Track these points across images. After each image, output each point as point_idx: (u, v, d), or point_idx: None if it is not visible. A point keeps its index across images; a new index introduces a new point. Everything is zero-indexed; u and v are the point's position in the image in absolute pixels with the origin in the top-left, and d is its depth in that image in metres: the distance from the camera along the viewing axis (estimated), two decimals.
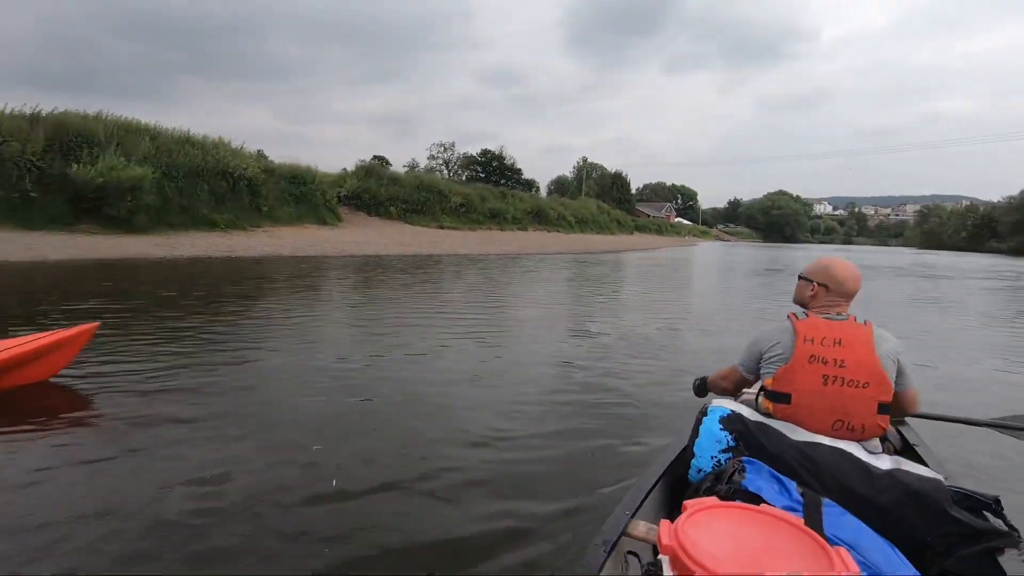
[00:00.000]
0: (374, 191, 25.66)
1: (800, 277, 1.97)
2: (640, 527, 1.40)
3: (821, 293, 1.88)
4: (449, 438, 3.14)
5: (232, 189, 18.48)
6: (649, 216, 75.85)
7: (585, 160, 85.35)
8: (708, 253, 36.26)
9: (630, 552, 1.32)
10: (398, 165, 51.96)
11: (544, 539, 2.16)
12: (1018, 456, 3.11)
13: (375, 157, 64.84)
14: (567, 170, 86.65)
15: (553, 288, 11.76)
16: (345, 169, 27.28)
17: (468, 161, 71.00)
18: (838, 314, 1.81)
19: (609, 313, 8.49)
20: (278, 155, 27.44)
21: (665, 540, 1.05)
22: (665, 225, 71.81)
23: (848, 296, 1.86)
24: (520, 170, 71.84)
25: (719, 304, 10.46)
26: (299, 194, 21.32)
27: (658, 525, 1.16)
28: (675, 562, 1.02)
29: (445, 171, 66.89)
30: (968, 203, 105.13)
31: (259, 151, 27.63)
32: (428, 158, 70.07)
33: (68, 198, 14.56)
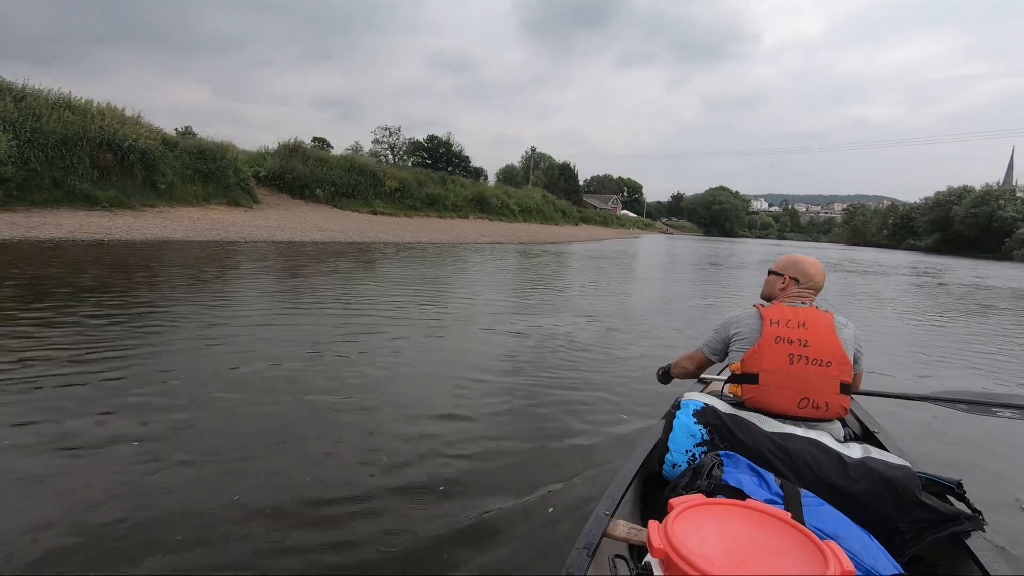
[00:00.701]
0: (299, 172, 23.26)
1: (770, 272, 2.08)
2: (620, 527, 1.34)
3: (792, 286, 1.98)
4: (398, 439, 2.95)
5: (120, 162, 15.86)
6: (596, 208, 75.45)
7: (534, 150, 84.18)
8: (650, 245, 35.64)
9: (617, 555, 1.21)
10: (340, 148, 49.41)
11: (511, 540, 2.07)
12: (947, 425, 3.54)
13: (315, 139, 61.60)
14: (516, 160, 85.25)
15: (489, 279, 10.22)
16: (266, 147, 24.67)
17: (414, 147, 68.46)
18: (803, 302, 1.91)
19: (549, 308, 7.53)
20: (211, 134, 24.37)
21: (656, 542, 1.00)
22: (611, 217, 71.46)
23: (816, 289, 1.97)
24: (468, 158, 69.97)
25: (657, 300, 9.18)
26: (207, 171, 18.79)
27: (636, 524, 1.24)
28: (667, 564, 0.98)
29: (390, 156, 64.22)
30: (889, 203, 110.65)
31: (187, 127, 24.82)
32: (372, 142, 67.16)
33: None
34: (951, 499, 1.49)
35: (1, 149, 12.69)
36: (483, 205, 33.64)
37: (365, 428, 3.05)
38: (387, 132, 68.04)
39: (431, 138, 68.16)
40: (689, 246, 40.46)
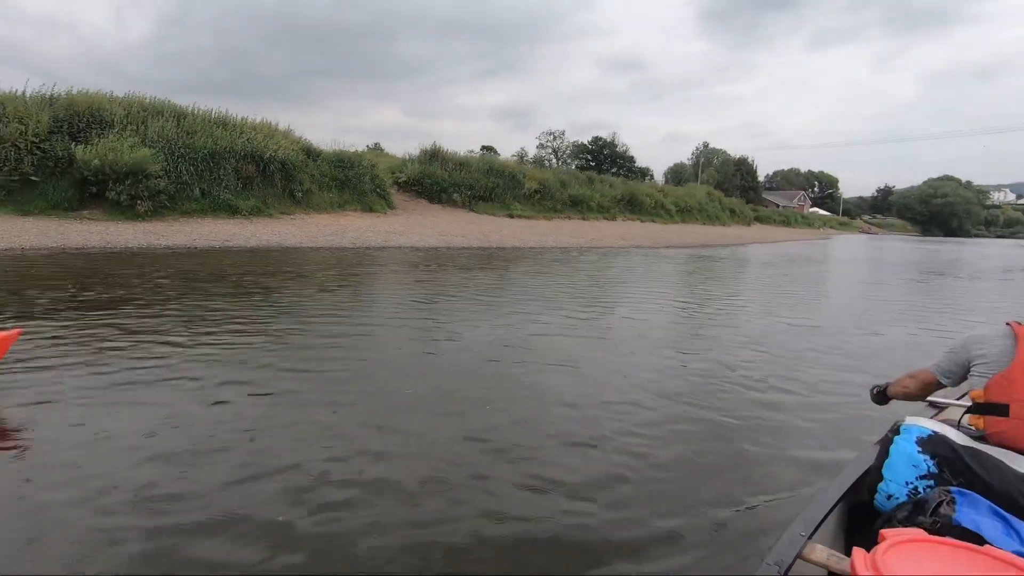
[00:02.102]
0: (437, 176, 22.82)
1: None
2: (818, 551, 1.21)
3: None
4: (586, 439, 2.98)
5: (262, 173, 16.51)
6: (778, 206, 66.29)
7: (706, 145, 77.20)
8: (841, 248, 29.14)
9: None
10: (508, 155, 49.87)
11: (694, 548, 2.03)
12: None
13: (484, 147, 63.52)
14: (686, 157, 78.94)
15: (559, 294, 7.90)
16: (409, 154, 24.75)
17: (578, 149, 67.02)
18: None
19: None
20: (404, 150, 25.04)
21: (861, 570, 0.92)
22: (795, 216, 61.88)
23: None
24: (633, 158, 66.75)
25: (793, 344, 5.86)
26: (344, 179, 19.01)
27: (837, 551, 1.10)
28: None
29: (554, 160, 63.62)
30: None
31: (376, 143, 26.32)
32: (537, 147, 67.33)
33: (72, 183, 13.27)
34: None
35: (151, 164, 13.63)
36: (634, 205, 30.42)
37: (564, 422, 3.21)
38: (551, 137, 67.67)
39: (595, 139, 66.08)
40: (894, 248, 32.68)
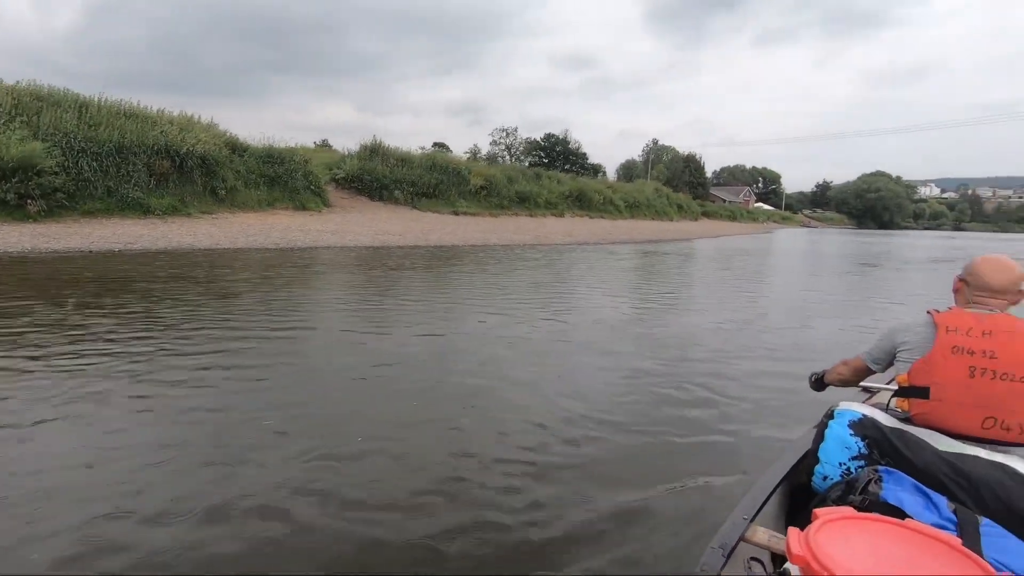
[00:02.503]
0: (378, 173, 21.81)
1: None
2: (760, 533, 1.28)
3: (964, 288, 1.72)
4: (537, 428, 3.03)
5: (179, 169, 15.19)
6: (725, 201, 67.88)
7: (655, 142, 78.20)
8: (782, 241, 29.72)
9: (753, 558, 1.18)
10: (461, 152, 48.95)
11: (647, 536, 2.06)
12: None
13: (435, 144, 62.34)
14: (637, 154, 79.83)
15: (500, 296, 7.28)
16: (348, 150, 23.62)
17: (531, 146, 66.69)
18: (988, 309, 1.61)
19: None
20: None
21: (795, 549, 0.95)
22: (740, 211, 63.45)
23: (989, 291, 1.64)
24: (585, 154, 66.93)
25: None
26: (274, 176, 17.81)
27: (778, 532, 1.15)
28: (806, 573, 0.93)
29: (507, 157, 63.11)
30: None
31: (324, 140, 24.93)
32: (490, 144, 66.63)
33: None
34: None
35: (43, 158, 12.20)
36: (583, 201, 30.16)
37: (506, 415, 3.22)
38: (504, 133, 67.07)
39: (548, 136, 65.86)
40: (832, 241, 33.69)
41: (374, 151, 22.93)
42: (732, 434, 3.10)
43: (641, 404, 3.52)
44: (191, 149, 15.34)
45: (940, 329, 1.55)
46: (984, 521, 1.16)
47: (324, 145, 33.54)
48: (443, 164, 24.13)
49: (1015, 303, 1.66)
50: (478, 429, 3.04)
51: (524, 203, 26.42)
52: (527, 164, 54.83)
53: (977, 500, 1.29)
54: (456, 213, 23.02)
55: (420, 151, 25.42)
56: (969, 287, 1.69)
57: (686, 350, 5.02)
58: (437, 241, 16.40)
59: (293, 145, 19.82)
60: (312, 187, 19.03)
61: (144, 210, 14.06)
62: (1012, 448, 1.46)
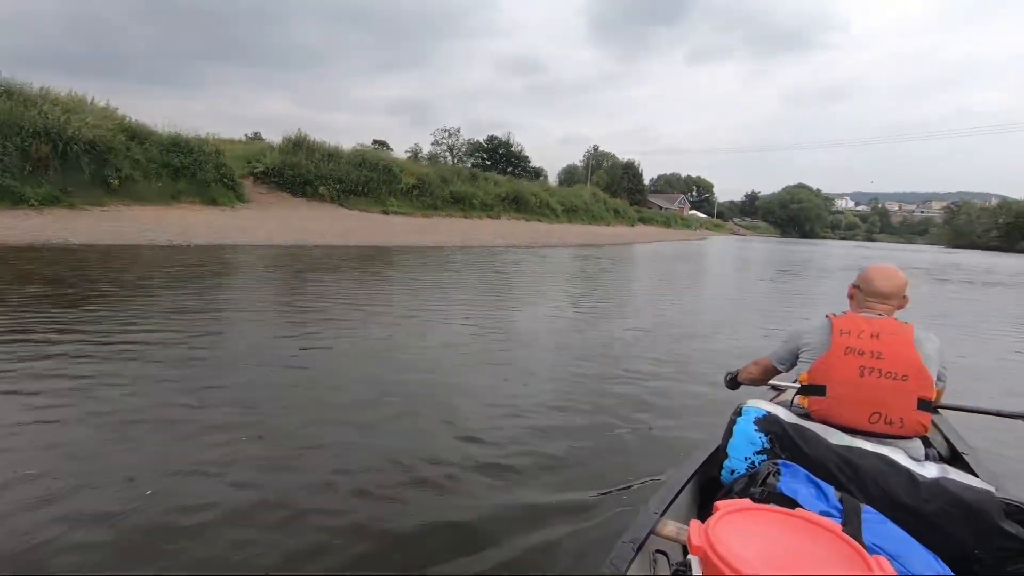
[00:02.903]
0: (301, 168, 20.45)
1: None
2: (669, 526, 1.32)
3: (857, 294, 1.88)
4: (460, 427, 3.01)
5: (61, 155, 13.45)
6: (661, 208, 69.62)
7: (596, 148, 79.35)
8: (714, 249, 30.42)
9: (659, 551, 1.24)
10: (401, 151, 47.44)
11: (566, 533, 2.06)
12: None
13: (375, 142, 60.45)
14: (579, 160, 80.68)
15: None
16: (270, 142, 22.07)
17: (474, 148, 65.95)
18: (877, 313, 1.77)
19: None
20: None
21: (695, 540, 0.99)
22: (675, 217, 65.25)
23: (878, 296, 1.80)
24: (527, 158, 66.95)
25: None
26: (179, 166, 16.22)
27: (688, 525, 1.15)
28: (705, 563, 0.97)
29: (449, 157, 62.04)
30: (998, 200, 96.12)
31: (256, 133, 22.92)
32: (432, 144, 65.32)
33: None
34: None
35: None
36: (520, 204, 29.72)
37: (433, 419, 3.12)
38: (447, 134, 65.93)
39: (491, 139, 65.39)
40: (759, 248, 34.93)
41: (298, 144, 21.52)
42: (656, 433, 3.15)
43: (565, 406, 3.47)
44: (76, 133, 13.64)
45: (836, 331, 1.67)
46: (866, 508, 1.24)
47: (256, 139, 31.49)
48: (373, 161, 22.99)
49: (901, 307, 1.81)
50: (394, 439, 2.87)
51: (459, 204, 25.65)
52: (470, 165, 54.22)
53: (861, 489, 1.38)
54: (386, 212, 21.98)
55: (355, 147, 24.02)
56: (861, 293, 1.83)
57: (611, 354, 4.93)
58: (360, 241, 15.40)
59: (204, 136, 18.12)
60: (225, 180, 17.52)
61: (16, 199, 12.31)
62: (894, 440, 1.58)
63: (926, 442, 1.82)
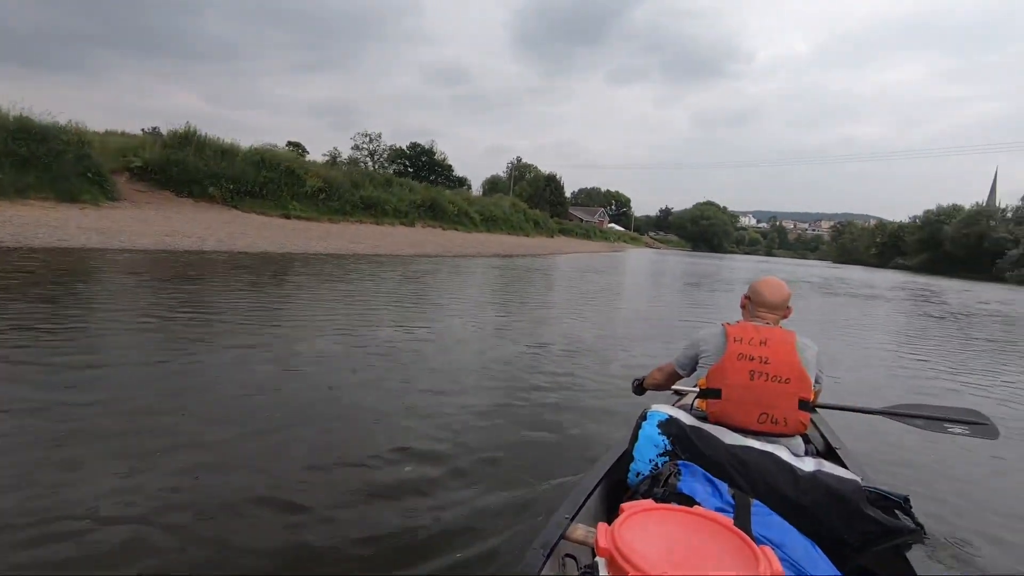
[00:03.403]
0: (188, 164, 18.34)
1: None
2: (579, 530, 1.37)
3: (748, 304, 2.04)
4: (373, 437, 3.00)
5: None
6: (582, 220, 70.97)
7: (519, 160, 79.88)
8: (631, 261, 30.91)
9: (568, 555, 1.30)
10: (319, 155, 44.86)
11: (479, 539, 2.08)
12: (904, 440, 3.46)
13: (290, 143, 57.10)
14: (503, 171, 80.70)
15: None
16: (154, 131, 19.71)
17: (395, 154, 64.01)
18: (766, 322, 1.92)
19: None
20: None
21: (602, 543, 1.02)
22: (595, 230, 66.73)
23: (766, 306, 1.96)
24: (451, 166, 66.13)
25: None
26: (28, 156, 13.87)
27: (596, 528, 1.20)
28: (611, 564, 0.99)
29: (370, 163, 59.76)
30: (876, 221, 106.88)
31: (154, 127, 19.98)
32: (352, 148, 62.61)
33: None
34: (899, 513, 1.48)
35: None
36: (436, 212, 28.69)
37: (350, 428, 3.09)
38: (367, 139, 63.52)
39: (414, 145, 63.86)
40: (672, 261, 36.21)
41: (186, 139, 19.34)
42: (566, 439, 3.18)
43: (481, 417, 3.46)
44: None
45: (730, 339, 1.81)
46: (755, 502, 1.35)
47: (154, 132, 28.21)
48: (273, 161, 21.14)
49: (785, 317, 2.02)
50: (306, 453, 2.75)
51: (370, 210, 24.24)
52: (391, 172, 52.56)
53: (751, 485, 1.49)
54: (287, 216, 20.25)
55: (253, 146, 22.00)
56: (752, 303, 2.03)
57: (522, 364, 4.94)
58: (247, 247, 13.80)
59: (65, 123, 15.72)
60: (90, 175, 15.24)
61: None
62: (779, 438, 1.72)
63: (805, 439, 1.99)
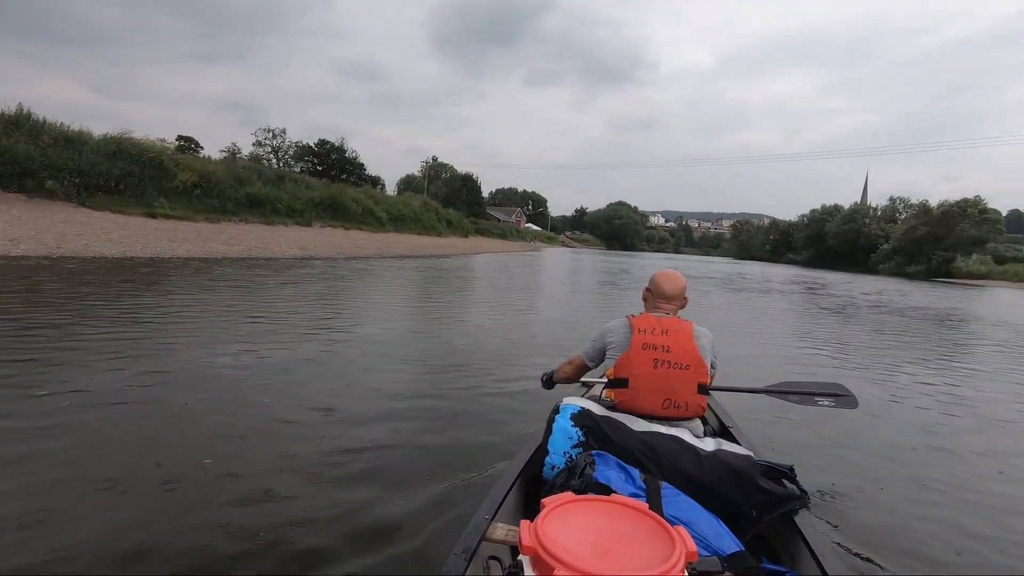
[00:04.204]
0: (20, 153, 15.13)
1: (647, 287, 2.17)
2: (499, 530, 1.33)
3: (650, 297, 2.12)
4: (291, 434, 2.95)
5: None
6: (499, 220, 70.30)
7: (434, 159, 77.71)
8: (547, 260, 30.26)
9: (491, 557, 1.21)
10: (215, 151, 40.52)
11: (396, 542, 2.02)
12: (785, 415, 3.78)
13: (180, 137, 51.55)
14: (418, 170, 78.09)
15: None
16: None
17: (302, 151, 59.78)
18: (665, 312, 2.02)
19: None
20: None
21: (526, 540, 1.00)
22: (512, 229, 66.23)
23: (666, 298, 2.06)
24: (363, 165, 62.87)
25: None
26: None
27: (517, 526, 1.19)
28: (535, 561, 0.99)
29: (274, 161, 55.28)
30: (770, 220, 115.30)
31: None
32: (253, 144, 57.61)
33: None
34: (786, 482, 1.60)
35: None
36: (337, 211, 26.39)
37: (255, 431, 2.98)
38: (270, 134, 58.79)
39: (322, 143, 59.96)
40: (586, 259, 36.33)
41: (15, 124, 16.01)
42: (486, 436, 3.15)
43: (396, 419, 3.35)
44: None
45: (635, 330, 1.88)
46: (664, 485, 1.41)
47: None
48: (134, 151, 18.09)
49: (682, 307, 2.11)
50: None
51: (258, 208, 21.65)
52: (298, 171, 48.93)
53: (660, 468, 1.56)
54: (152, 216, 17.40)
55: (109, 134, 18.77)
56: (652, 295, 2.11)
57: (431, 364, 4.86)
58: (78, 250, 11.29)
59: None
60: None
61: None
62: (681, 422, 1.81)
63: (704, 420, 2.07)
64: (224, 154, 47.08)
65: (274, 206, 22.33)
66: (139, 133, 19.08)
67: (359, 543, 1.97)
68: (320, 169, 55.59)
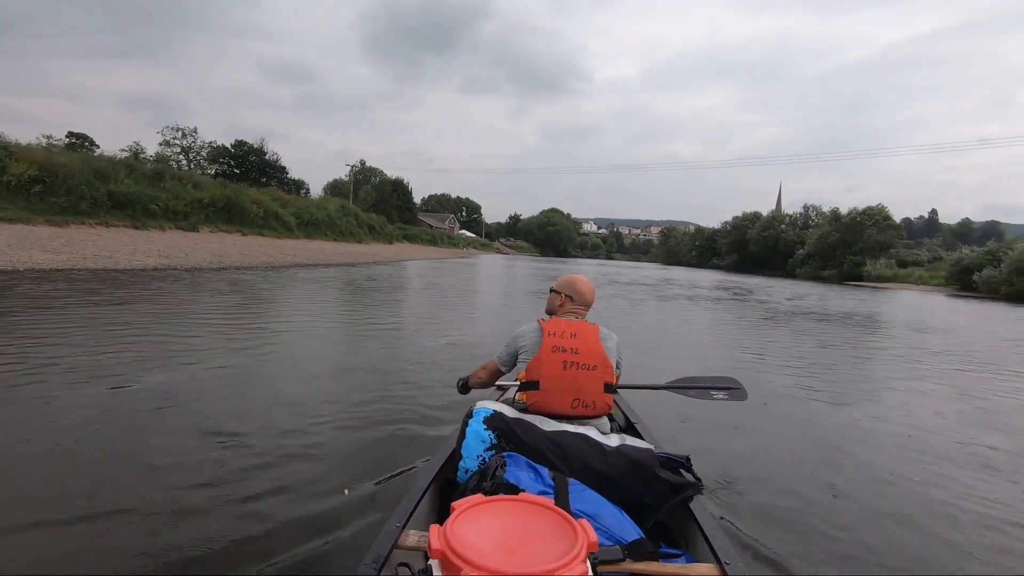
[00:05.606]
0: None
1: (551, 291, 2.20)
2: (411, 537, 1.34)
3: (567, 303, 2.14)
4: (195, 440, 2.90)
5: None
6: (432, 227, 67.48)
7: (362, 163, 73.76)
8: (483, 267, 28.01)
9: (401, 564, 1.19)
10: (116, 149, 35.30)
11: (311, 554, 1.94)
12: (683, 409, 3.86)
13: (71, 134, 45.11)
14: (345, 175, 73.83)
15: None
16: None
17: (217, 152, 54.29)
18: (576, 316, 2.08)
19: None
20: None
21: (435, 544, 1.00)
22: (443, 236, 63.60)
23: (587, 305, 2.14)
24: (285, 168, 58.23)
25: None
26: None
27: (427, 532, 1.20)
28: (445, 564, 0.98)
29: (184, 162, 49.63)
30: (695, 227, 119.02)
31: None
32: (160, 144, 51.24)
33: None
34: (683, 472, 1.66)
35: None
36: (233, 214, 22.98)
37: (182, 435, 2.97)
38: (179, 133, 52.89)
39: (239, 144, 54.81)
40: (522, 266, 34.77)
41: None
42: (403, 442, 3.12)
43: (316, 424, 3.34)
44: None
45: (545, 333, 1.90)
46: (572, 481, 1.45)
47: None
48: None
49: (588, 309, 2.15)
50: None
51: (126, 209, 18.07)
52: (213, 173, 44.03)
53: (568, 465, 1.58)
54: None
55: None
56: (573, 302, 2.12)
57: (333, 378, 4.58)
58: None
59: None
60: None
61: None
62: (589, 420, 1.85)
63: (610, 417, 2.14)
64: (125, 154, 41.56)
65: (147, 207, 18.77)
66: (34, 132, 15.19)
67: (269, 554, 1.92)
68: (237, 172, 50.84)
